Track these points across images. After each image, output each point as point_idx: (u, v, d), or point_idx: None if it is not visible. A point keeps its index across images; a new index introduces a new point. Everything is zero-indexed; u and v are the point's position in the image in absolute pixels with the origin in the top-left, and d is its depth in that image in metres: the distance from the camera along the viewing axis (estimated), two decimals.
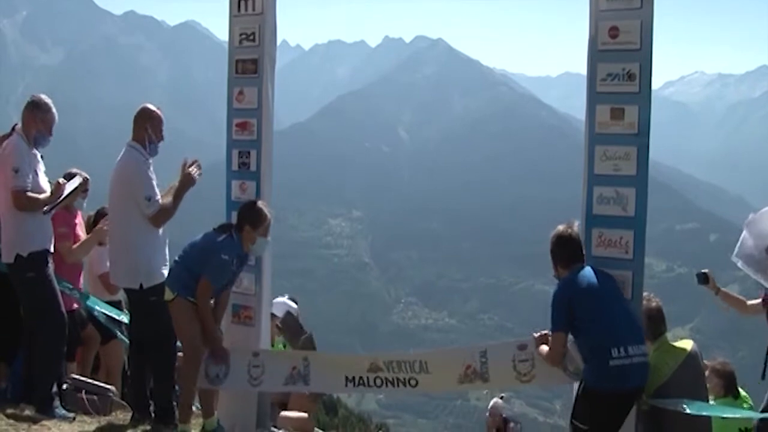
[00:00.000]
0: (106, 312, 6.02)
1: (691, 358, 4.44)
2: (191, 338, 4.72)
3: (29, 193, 4.81)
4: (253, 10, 4.99)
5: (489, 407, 8.07)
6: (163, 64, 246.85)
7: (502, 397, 8.14)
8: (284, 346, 6.14)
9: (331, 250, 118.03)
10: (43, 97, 5.04)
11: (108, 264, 6.18)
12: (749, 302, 5.13)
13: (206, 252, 4.68)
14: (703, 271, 5.14)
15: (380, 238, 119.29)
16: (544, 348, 4.31)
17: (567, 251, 4.25)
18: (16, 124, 5.08)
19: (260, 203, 4.87)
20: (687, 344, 4.55)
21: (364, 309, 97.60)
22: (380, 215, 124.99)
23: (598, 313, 4.06)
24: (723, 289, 5.22)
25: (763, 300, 4.85)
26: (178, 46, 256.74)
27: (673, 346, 4.50)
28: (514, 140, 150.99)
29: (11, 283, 4.98)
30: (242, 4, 5.03)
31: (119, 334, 6.11)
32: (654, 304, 4.52)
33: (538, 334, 4.41)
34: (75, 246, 5.73)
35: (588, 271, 4.17)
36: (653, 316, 4.44)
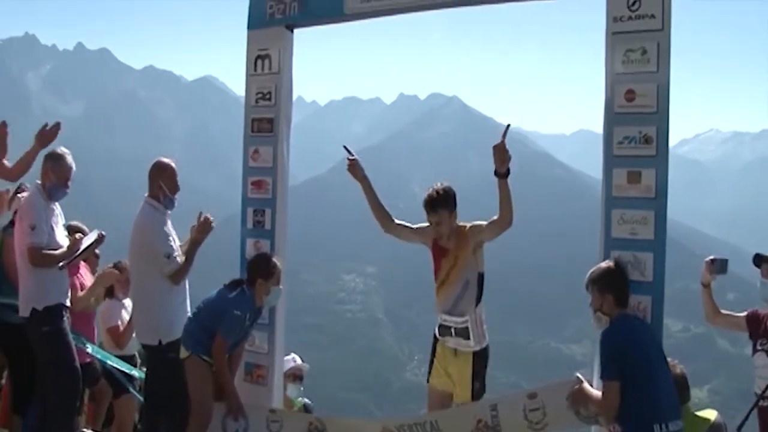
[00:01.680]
0: (118, 366, 6.00)
1: (714, 429, 4.30)
2: (202, 398, 4.67)
3: (45, 251, 4.81)
4: (270, 69, 5.04)
5: None
6: (180, 117, 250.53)
7: None
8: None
9: (345, 306, 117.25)
10: (59, 149, 5.07)
11: (117, 318, 6.23)
12: (724, 312, 5.13)
13: (220, 309, 4.68)
14: (724, 257, 5.04)
15: (394, 294, 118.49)
16: (595, 393, 4.05)
17: (625, 284, 4.04)
18: (20, 185, 5.14)
19: (268, 254, 4.93)
20: (711, 414, 4.39)
21: (377, 365, 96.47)
22: (394, 271, 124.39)
23: (647, 379, 3.80)
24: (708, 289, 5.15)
25: (747, 317, 4.95)
26: (196, 101, 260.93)
27: (697, 417, 4.35)
28: (528, 198, 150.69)
29: (25, 336, 4.96)
30: (259, 63, 5.08)
31: (131, 389, 6.07)
32: (678, 370, 4.32)
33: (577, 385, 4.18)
34: (81, 294, 5.73)
35: (639, 323, 3.99)
36: (678, 383, 4.21)
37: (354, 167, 5.06)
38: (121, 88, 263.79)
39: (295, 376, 6.25)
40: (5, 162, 5.08)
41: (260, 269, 4.78)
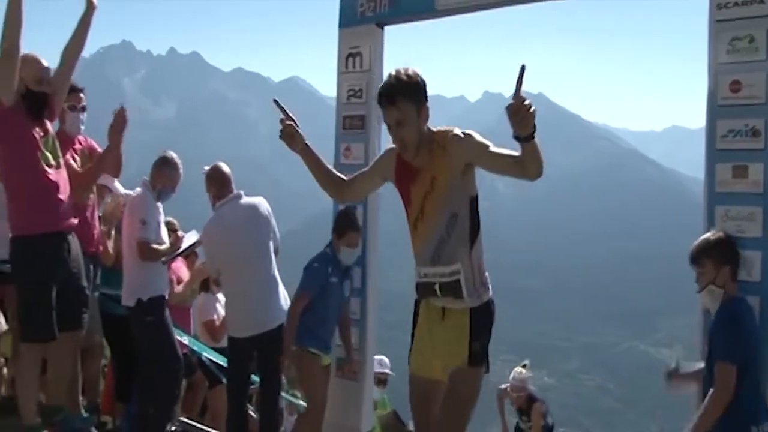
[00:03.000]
0: (213, 358, 6.19)
1: None
2: (312, 392, 4.87)
3: (153, 245, 4.99)
4: (361, 67, 5.07)
5: (511, 378, 7.54)
6: (267, 117, 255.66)
7: (524, 366, 7.64)
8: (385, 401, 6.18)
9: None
10: (174, 156, 5.26)
11: (213, 312, 6.43)
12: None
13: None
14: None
15: None
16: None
17: (739, 257, 3.71)
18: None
19: (347, 211, 5.11)
20: None
21: None
22: None
23: (757, 374, 3.51)
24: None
25: None
26: (283, 101, 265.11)
27: None
28: (617, 196, 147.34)
29: (128, 327, 5.15)
30: (350, 61, 5.12)
31: (225, 379, 6.24)
32: None
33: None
34: (178, 287, 5.94)
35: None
36: None
37: (290, 135, 3.61)
38: (210, 90, 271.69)
39: (380, 380, 6.30)
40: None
41: (336, 225, 5.01)
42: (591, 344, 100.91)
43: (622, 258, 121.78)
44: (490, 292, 3.40)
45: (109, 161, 5.08)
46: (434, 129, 3.22)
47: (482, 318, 3.36)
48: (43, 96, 4.37)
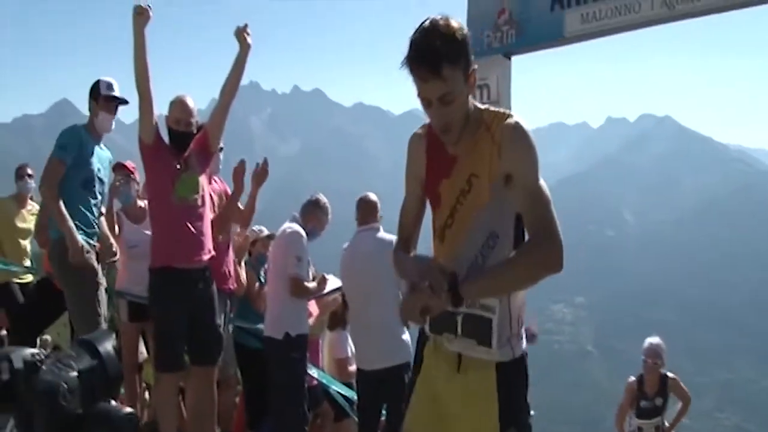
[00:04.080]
0: (341, 391, 6.24)
1: None
2: None
3: (305, 283, 5.16)
4: (489, 98, 5.01)
5: (645, 347, 6.62)
6: (387, 150, 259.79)
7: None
8: None
9: (552, 336, 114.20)
10: (325, 200, 5.47)
11: (346, 350, 6.47)
12: None
13: None
14: None
15: (604, 325, 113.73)
16: None
17: None
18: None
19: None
20: None
21: (585, 399, 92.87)
22: (605, 301, 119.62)
23: None
24: None
25: None
26: (402, 134, 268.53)
27: None
28: (753, 221, 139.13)
29: (262, 359, 5.27)
30: (477, 93, 5.07)
31: (351, 412, 6.29)
32: None
33: None
34: (310, 321, 6.04)
35: None
36: None
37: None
38: (332, 125, 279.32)
39: None
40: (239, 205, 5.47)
41: None
42: (727, 381, 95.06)
43: (757, 288, 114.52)
44: (524, 344, 2.44)
45: (236, 208, 5.33)
46: (483, 108, 2.35)
47: (516, 379, 2.41)
48: (182, 135, 4.60)
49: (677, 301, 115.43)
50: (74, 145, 4.70)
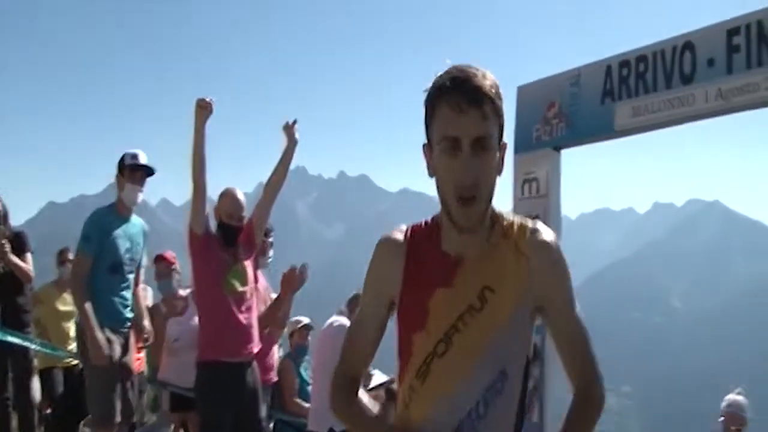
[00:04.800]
0: None
1: None
2: None
3: None
4: (538, 192, 4.92)
5: (726, 406, 5.74)
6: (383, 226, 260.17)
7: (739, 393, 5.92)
8: None
9: (599, 427, 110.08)
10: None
11: None
12: None
13: None
14: None
15: (652, 416, 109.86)
16: None
17: None
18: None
19: None
20: None
21: None
22: (653, 392, 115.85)
23: None
24: None
25: None
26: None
27: None
28: None
29: None
30: (526, 186, 4.99)
31: None
32: None
33: None
34: None
35: None
36: None
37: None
38: (378, 211, 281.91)
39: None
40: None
41: None
42: None
43: None
44: None
45: (276, 313, 5.28)
46: (507, 215, 1.84)
47: None
48: (234, 228, 4.59)
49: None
50: (96, 233, 4.70)
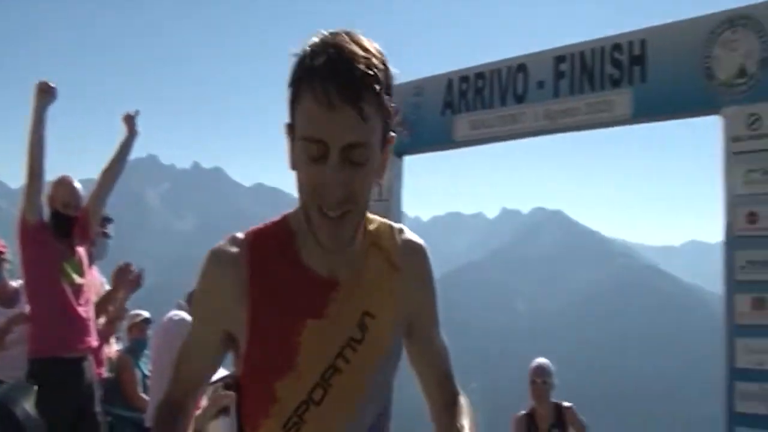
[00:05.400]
0: None
1: None
2: None
3: None
4: (380, 196, 5.14)
5: (534, 365, 5.69)
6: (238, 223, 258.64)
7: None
8: None
9: None
10: None
11: None
12: None
13: None
14: None
15: (497, 411, 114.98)
16: None
17: None
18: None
19: None
20: None
21: None
22: (497, 387, 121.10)
23: None
24: None
25: None
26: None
27: None
28: (637, 313, 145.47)
29: None
30: None
31: None
32: None
33: None
34: (196, 412, 5.89)
35: None
36: None
37: None
38: (231, 205, 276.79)
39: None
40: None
41: None
42: None
43: (644, 376, 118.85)
44: None
45: (107, 306, 5.20)
46: (394, 225, 1.55)
47: None
48: (69, 218, 4.46)
49: (566, 391, 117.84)
50: None
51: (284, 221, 1.45)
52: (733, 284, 4.06)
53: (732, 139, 4.11)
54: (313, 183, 1.27)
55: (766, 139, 4.01)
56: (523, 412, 5.52)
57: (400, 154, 5.01)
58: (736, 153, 4.10)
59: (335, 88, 1.22)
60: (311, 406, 1.37)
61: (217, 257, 1.42)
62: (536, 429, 5.41)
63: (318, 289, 1.39)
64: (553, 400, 5.52)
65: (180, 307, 5.20)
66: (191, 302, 5.22)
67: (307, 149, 1.26)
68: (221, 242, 1.45)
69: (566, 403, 5.47)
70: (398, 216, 5.14)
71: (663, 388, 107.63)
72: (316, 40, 1.28)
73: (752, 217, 4.03)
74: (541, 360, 5.65)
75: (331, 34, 1.28)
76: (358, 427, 1.43)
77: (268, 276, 1.38)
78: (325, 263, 1.40)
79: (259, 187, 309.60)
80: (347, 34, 1.28)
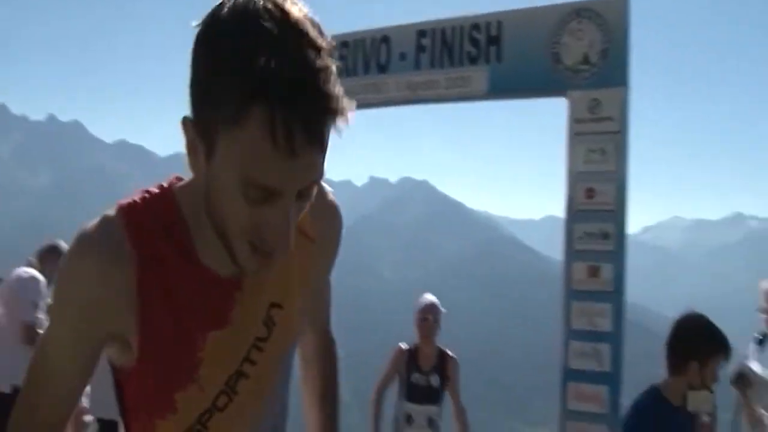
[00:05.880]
0: None
1: None
2: None
3: (42, 330, 4.86)
4: None
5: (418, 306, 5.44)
6: None
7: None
8: None
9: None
10: (65, 246, 5.23)
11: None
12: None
13: None
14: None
15: (363, 378, 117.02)
16: None
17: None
18: None
19: None
20: None
21: None
22: (363, 355, 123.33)
23: None
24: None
25: None
26: (168, 176, 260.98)
27: None
28: (496, 283, 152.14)
29: None
30: None
31: None
32: None
33: None
34: None
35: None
36: None
37: None
38: (91, 161, 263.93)
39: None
40: None
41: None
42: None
43: (500, 344, 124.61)
44: None
45: None
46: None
47: None
48: None
49: None
50: None
51: (170, 202, 1.14)
52: (572, 253, 4.42)
53: (575, 121, 4.43)
54: (248, 223, 1.00)
55: (604, 122, 4.35)
56: (407, 346, 5.27)
57: None
58: (578, 134, 4.42)
59: (302, 130, 0.91)
60: (215, 413, 1.20)
61: (93, 247, 1.10)
62: (417, 367, 5.17)
63: (220, 293, 1.14)
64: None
65: (30, 264, 5.04)
66: (43, 257, 5.07)
67: (248, 193, 0.96)
68: (93, 226, 1.12)
69: (452, 354, 5.27)
70: None
71: (518, 352, 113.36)
72: (255, 5, 0.94)
73: (590, 193, 4.38)
74: (431, 297, 5.40)
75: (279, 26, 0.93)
76: (262, 424, 1.28)
77: (160, 275, 1.11)
78: (227, 261, 1.08)
79: (122, 144, 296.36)
80: (302, 35, 0.94)
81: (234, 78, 0.91)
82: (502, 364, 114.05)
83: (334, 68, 0.95)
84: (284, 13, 0.94)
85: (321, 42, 0.94)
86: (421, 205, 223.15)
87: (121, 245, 1.09)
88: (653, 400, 3.39)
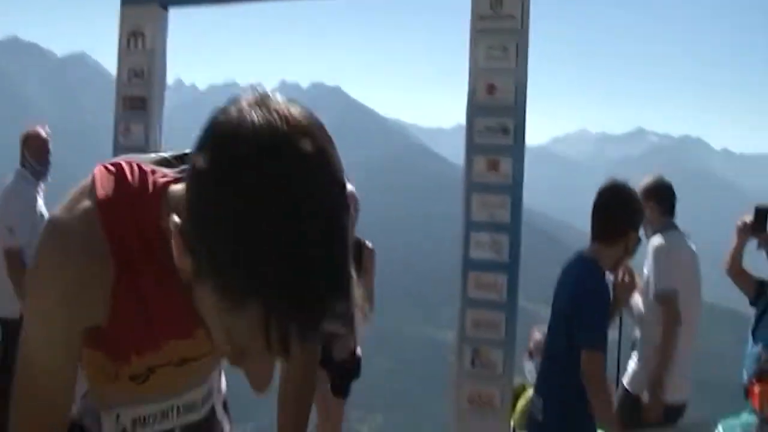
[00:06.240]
0: None
1: None
2: None
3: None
4: (143, 47, 5.01)
5: None
6: (48, 94, 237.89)
7: None
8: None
9: None
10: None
11: None
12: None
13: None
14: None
15: None
16: None
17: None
18: None
19: None
20: None
21: None
22: None
23: None
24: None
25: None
26: (67, 78, 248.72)
27: None
28: (407, 190, 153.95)
29: None
30: (132, 40, 5.05)
31: None
32: None
33: None
34: None
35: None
36: None
37: None
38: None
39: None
40: None
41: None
42: (377, 329, 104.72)
43: (407, 250, 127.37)
44: None
45: None
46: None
47: None
48: None
49: None
50: None
51: (154, 214, 1.08)
52: (473, 146, 4.54)
53: (478, 17, 4.49)
54: (228, 349, 0.96)
55: (504, 19, 4.43)
56: None
57: (164, 5, 4.86)
58: (480, 30, 4.49)
59: (299, 333, 0.87)
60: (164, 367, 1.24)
61: (77, 244, 1.07)
62: None
63: (189, 313, 1.01)
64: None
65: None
66: (31, 286, 4.75)
67: (230, 341, 0.93)
68: (74, 219, 1.08)
69: (369, 244, 5.15)
70: (163, 76, 5.07)
71: (429, 263, 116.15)
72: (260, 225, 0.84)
73: (491, 89, 4.48)
74: (349, 186, 5.38)
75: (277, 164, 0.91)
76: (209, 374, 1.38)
77: (134, 282, 1.11)
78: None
79: (14, 42, 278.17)
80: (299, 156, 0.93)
81: (238, 271, 0.84)
82: (409, 272, 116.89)
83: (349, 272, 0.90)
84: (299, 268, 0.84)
85: (338, 225, 0.91)
86: (333, 112, 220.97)
87: (103, 243, 1.07)
88: (597, 271, 3.45)
